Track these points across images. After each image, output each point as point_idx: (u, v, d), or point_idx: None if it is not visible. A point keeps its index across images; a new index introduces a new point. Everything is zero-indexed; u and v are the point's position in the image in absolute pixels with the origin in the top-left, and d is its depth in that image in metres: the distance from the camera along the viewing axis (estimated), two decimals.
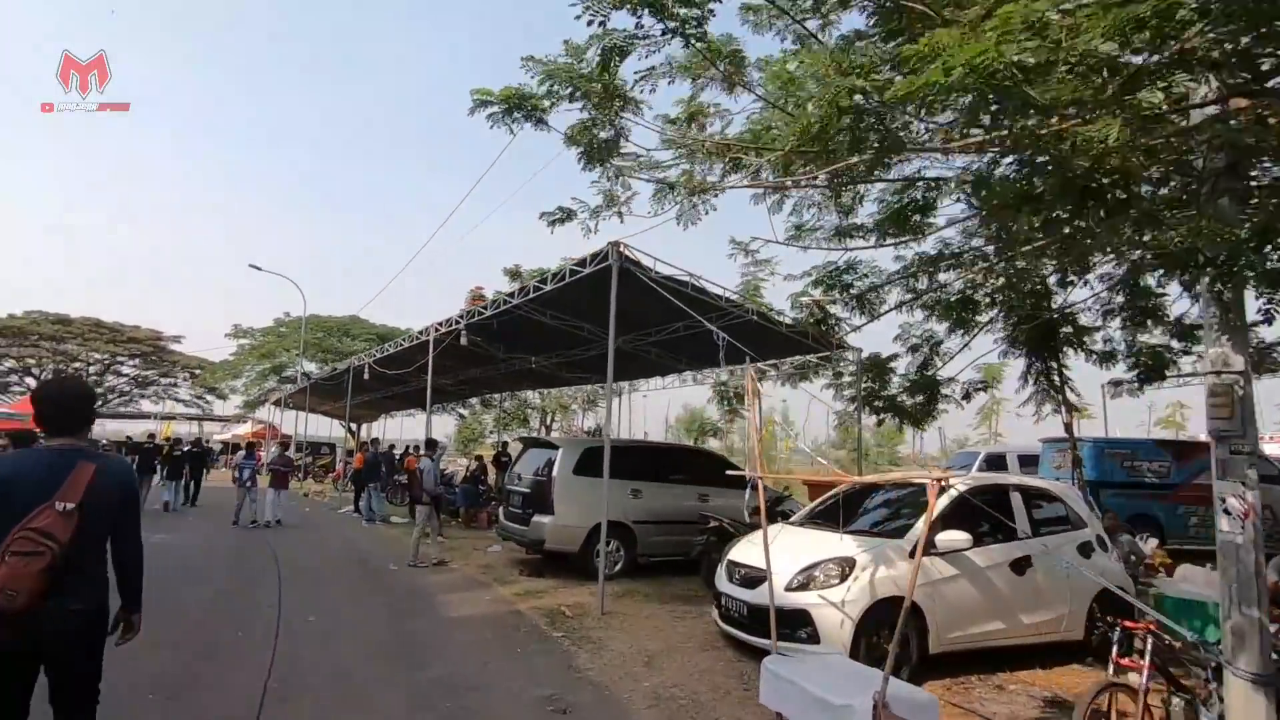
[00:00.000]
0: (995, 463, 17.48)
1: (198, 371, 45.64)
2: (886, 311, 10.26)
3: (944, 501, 5.39)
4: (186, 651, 5.13)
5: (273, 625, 5.85)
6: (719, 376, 14.00)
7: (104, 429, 49.03)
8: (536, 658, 5.26)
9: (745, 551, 5.70)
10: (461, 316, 10.76)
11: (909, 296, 10.09)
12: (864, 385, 10.13)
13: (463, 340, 10.83)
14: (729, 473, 6.04)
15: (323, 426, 36.61)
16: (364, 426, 35.08)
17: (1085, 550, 5.81)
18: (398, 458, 18.76)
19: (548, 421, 30.58)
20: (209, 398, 48.43)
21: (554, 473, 8.39)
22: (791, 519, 6.70)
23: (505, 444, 19.01)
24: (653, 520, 8.79)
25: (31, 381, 43.81)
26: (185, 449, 16.66)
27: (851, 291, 10.05)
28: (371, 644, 5.49)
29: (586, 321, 10.53)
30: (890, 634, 4.89)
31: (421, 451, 15.96)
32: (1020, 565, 5.39)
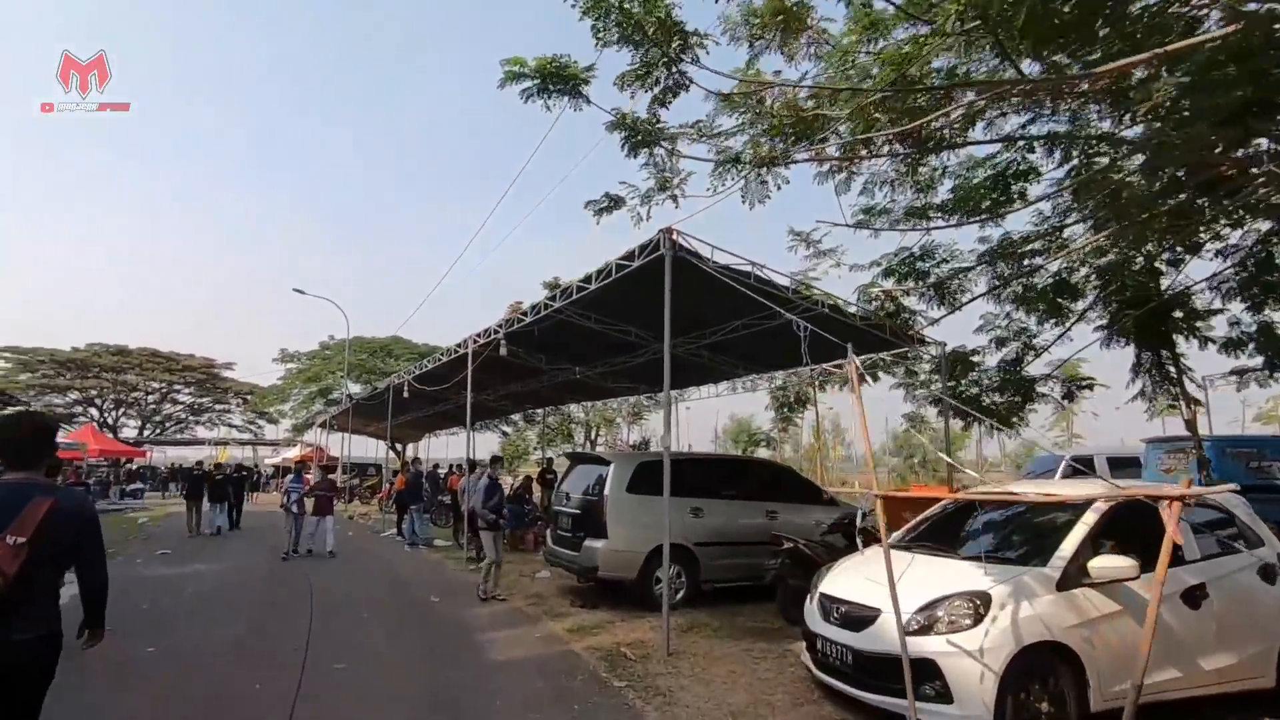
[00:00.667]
0: (1082, 468, 16.03)
1: (249, 397, 46.59)
2: (969, 301, 9.19)
3: (1090, 517, 4.38)
4: (194, 707, 4.45)
5: (297, 673, 5.14)
6: (775, 381, 13.01)
7: (164, 455, 50.47)
8: (598, 716, 4.42)
9: (841, 582, 4.76)
10: (500, 326, 10.10)
11: (996, 283, 9.02)
12: (946, 383, 9.07)
13: (502, 350, 10.17)
14: (833, 490, 5.08)
15: (370, 448, 36.65)
16: (409, 446, 35.02)
17: (1268, 575, 4.70)
18: (442, 477, 18.27)
19: (592, 436, 29.88)
20: (260, 422, 49.48)
21: (605, 491, 7.57)
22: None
23: (550, 460, 18.32)
24: (717, 542, 7.88)
25: (95, 412, 45.42)
26: (226, 473, 16.63)
27: (928, 280, 9.04)
28: (405, 699, 4.73)
29: (635, 325, 9.75)
30: (1041, 689, 3.92)
31: (463, 470, 15.41)
32: (1194, 596, 4.31)
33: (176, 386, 47.86)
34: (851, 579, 4.73)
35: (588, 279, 7.70)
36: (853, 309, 8.38)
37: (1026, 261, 8.64)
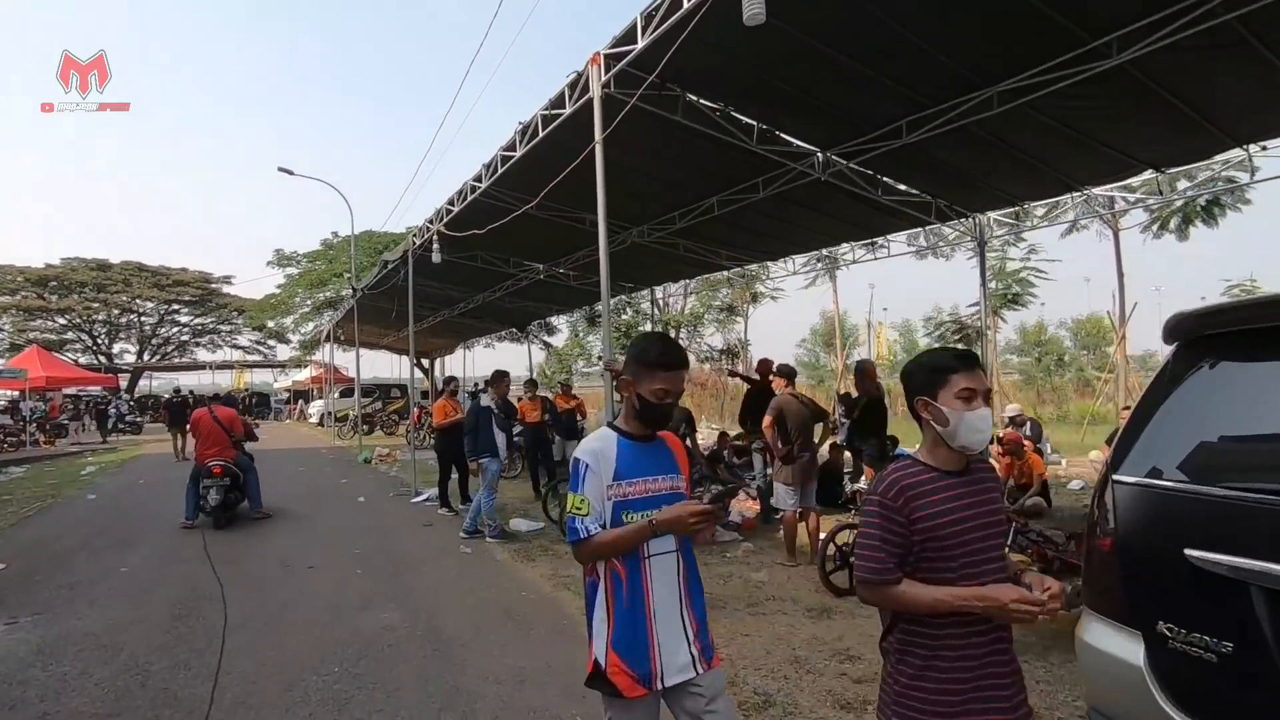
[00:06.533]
0: None
1: (248, 313, 40.61)
2: None
3: None
4: None
5: None
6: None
7: (173, 382, 45.51)
8: None
9: None
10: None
11: None
12: None
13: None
14: None
15: (392, 367, 30.96)
16: (438, 363, 29.16)
17: None
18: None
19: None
20: (270, 342, 43.69)
21: None
22: None
23: None
24: None
25: (86, 338, 39.96)
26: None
27: None
28: None
29: None
30: None
31: (536, 390, 9.40)
32: None
33: (175, 307, 42.01)
34: None
35: None
36: None
37: None
